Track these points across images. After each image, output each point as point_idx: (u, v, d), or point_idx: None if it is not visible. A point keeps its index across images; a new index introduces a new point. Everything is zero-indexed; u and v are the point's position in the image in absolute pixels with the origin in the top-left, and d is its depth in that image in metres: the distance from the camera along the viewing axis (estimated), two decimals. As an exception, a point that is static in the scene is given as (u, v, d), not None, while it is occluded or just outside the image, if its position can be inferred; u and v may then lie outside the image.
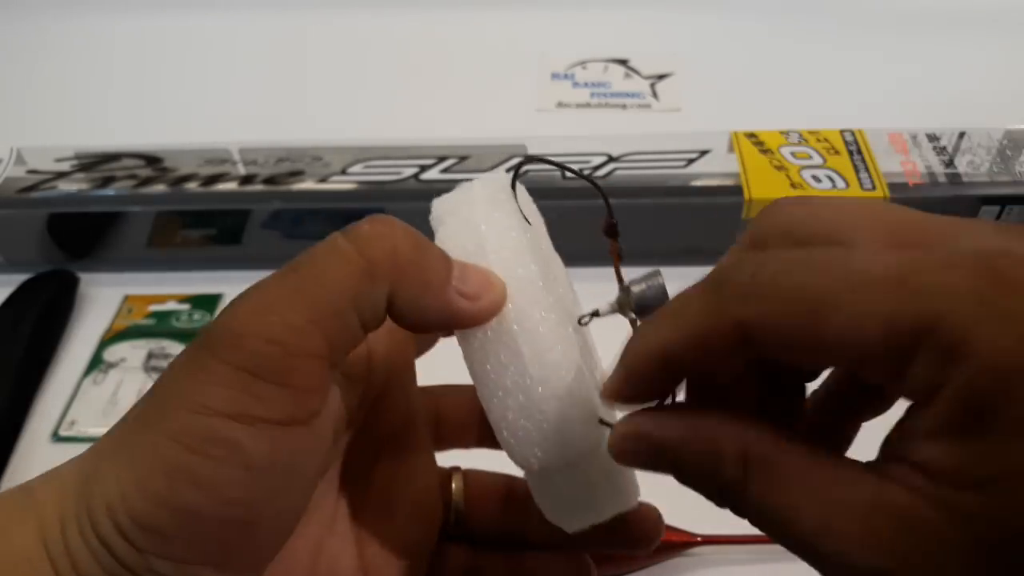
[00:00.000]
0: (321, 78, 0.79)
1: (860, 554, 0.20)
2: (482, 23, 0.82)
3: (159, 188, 0.59)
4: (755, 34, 0.82)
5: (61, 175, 0.60)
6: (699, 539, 0.45)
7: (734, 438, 0.22)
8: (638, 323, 0.27)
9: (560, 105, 0.76)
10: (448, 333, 0.29)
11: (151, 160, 0.61)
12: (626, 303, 0.27)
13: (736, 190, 0.57)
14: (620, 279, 0.28)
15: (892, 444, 0.21)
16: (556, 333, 0.27)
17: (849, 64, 0.79)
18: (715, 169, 0.58)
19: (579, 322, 0.29)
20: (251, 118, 0.73)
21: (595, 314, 0.28)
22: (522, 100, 0.76)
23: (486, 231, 0.28)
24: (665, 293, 0.27)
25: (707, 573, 0.46)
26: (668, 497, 0.46)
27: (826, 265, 0.20)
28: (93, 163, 0.61)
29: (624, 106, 0.75)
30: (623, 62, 0.80)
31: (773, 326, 0.21)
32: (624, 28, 0.83)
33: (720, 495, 0.23)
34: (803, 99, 0.74)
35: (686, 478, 0.23)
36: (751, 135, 0.60)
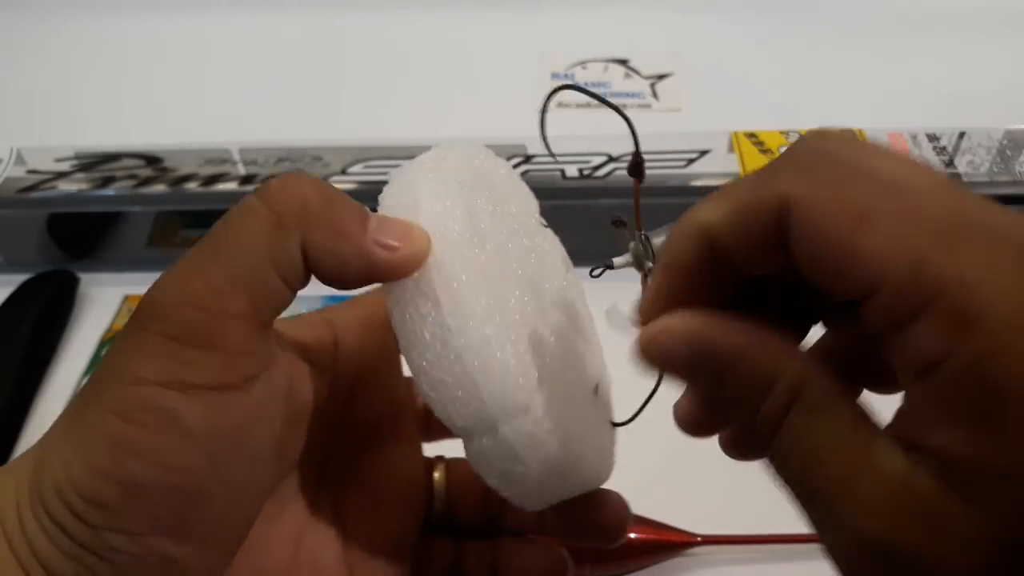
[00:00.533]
0: (321, 78, 0.79)
1: (873, 524, 0.19)
2: (482, 23, 0.82)
3: (159, 188, 0.59)
4: (755, 34, 0.82)
5: (61, 175, 0.60)
6: (699, 539, 0.45)
7: (797, 366, 0.21)
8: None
9: (560, 105, 0.76)
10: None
11: (151, 160, 0.61)
12: (642, 255, 0.26)
13: (736, 190, 0.57)
14: (639, 228, 0.27)
15: (905, 423, 0.20)
16: (480, 287, 0.26)
17: (849, 64, 0.79)
18: (715, 169, 0.58)
19: (591, 274, 0.28)
20: (251, 118, 0.73)
21: (608, 267, 0.28)
22: (522, 100, 0.76)
23: (422, 187, 0.28)
24: None
25: (707, 573, 0.46)
26: (668, 497, 0.46)
27: (889, 182, 0.20)
28: (93, 163, 0.61)
29: (624, 106, 0.75)
30: (623, 62, 0.80)
31: (817, 214, 0.20)
32: (624, 28, 0.83)
33: (751, 418, 0.22)
34: (803, 99, 0.74)
35: (722, 392, 0.22)
36: (751, 135, 0.60)
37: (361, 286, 0.27)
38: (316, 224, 0.25)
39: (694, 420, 0.27)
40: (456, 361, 0.25)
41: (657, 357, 0.23)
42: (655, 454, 0.50)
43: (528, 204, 0.32)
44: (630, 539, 0.44)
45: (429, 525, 0.33)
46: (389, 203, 0.28)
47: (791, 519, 0.45)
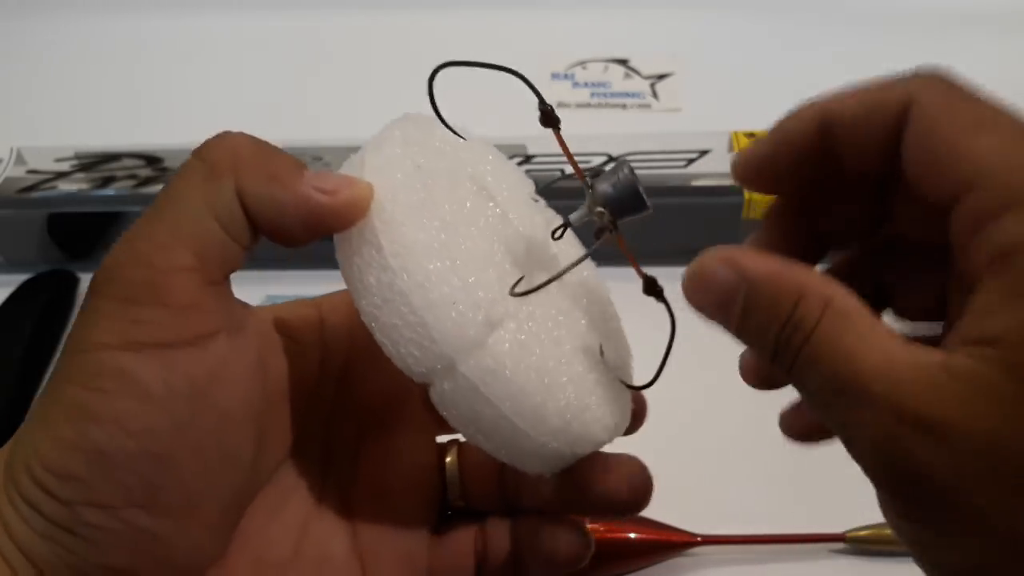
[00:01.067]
0: (321, 78, 0.79)
1: (913, 401, 0.20)
2: (482, 23, 0.82)
3: (159, 188, 0.59)
4: (755, 34, 0.82)
5: (61, 175, 0.60)
6: (699, 539, 0.45)
7: (821, 286, 0.23)
8: (616, 225, 0.26)
9: (560, 105, 0.76)
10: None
11: (151, 160, 0.61)
12: (594, 203, 0.26)
13: (736, 190, 0.57)
14: (582, 177, 0.27)
15: (957, 330, 0.21)
16: (424, 226, 0.26)
17: (849, 64, 0.78)
18: (715, 169, 0.58)
19: (552, 236, 0.28)
20: (251, 118, 0.73)
21: (566, 225, 0.28)
22: (522, 100, 0.76)
23: (369, 146, 0.28)
24: (636, 185, 0.26)
25: (707, 573, 0.46)
26: (669, 498, 0.46)
27: (1003, 110, 0.23)
28: (93, 163, 0.61)
29: (624, 106, 0.75)
30: (623, 62, 0.80)
31: (937, 114, 0.23)
32: (624, 28, 0.83)
33: (780, 335, 0.23)
34: (803, 99, 0.73)
35: (752, 317, 0.23)
36: (751, 135, 0.60)
37: (306, 239, 0.26)
38: (248, 170, 0.25)
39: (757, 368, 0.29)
40: (403, 302, 0.25)
41: (698, 287, 0.24)
42: (655, 454, 0.50)
43: (515, 182, 0.32)
44: (630, 539, 0.44)
45: (447, 511, 0.33)
46: (343, 167, 0.28)
47: (791, 519, 0.46)
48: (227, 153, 0.26)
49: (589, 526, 0.39)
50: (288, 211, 0.26)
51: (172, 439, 0.24)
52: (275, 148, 0.27)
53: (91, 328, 0.24)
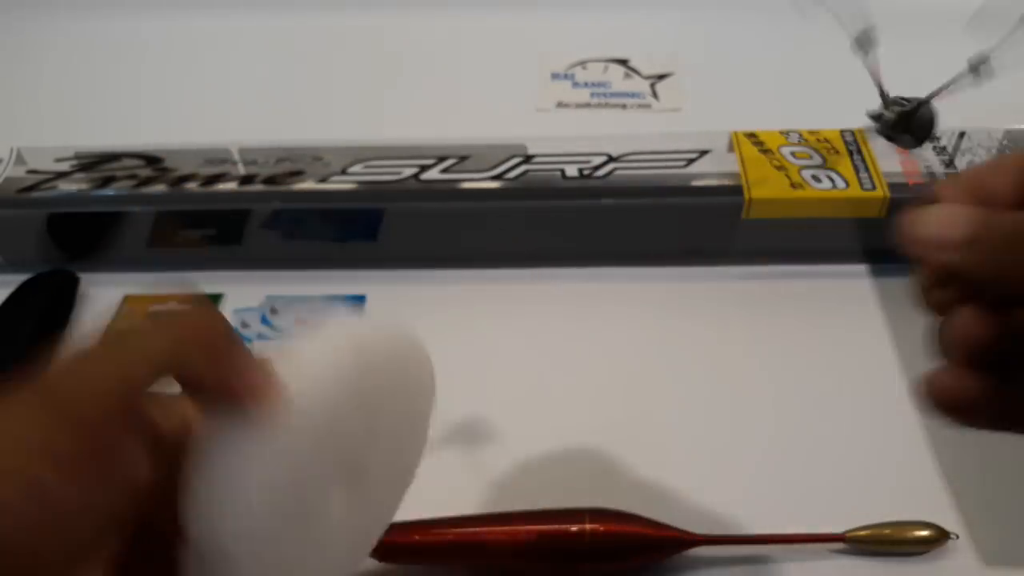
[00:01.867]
0: (321, 78, 0.79)
1: None
2: (482, 23, 0.82)
3: (159, 188, 0.59)
4: (755, 34, 0.82)
5: (61, 175, 0.60)
6: (699, 538, 0.45)
7: None
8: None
9: (560, 105, 0.76)
10: None
11: (151, 160, 0.61)
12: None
13: (736, 190, 0.57)
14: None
15: None
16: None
17: (849, 64, 0.79)
18: (715, 169, 0.58)
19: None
20: (251, 118, 0.73)
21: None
22: (522, 100, 0.76)
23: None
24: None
25: (707, 573, 0.46)
26: (669, 497, 0.46)
27: None
28: (93, 163, 0.61)
29: (624, 106, 0.75)
30: (623, 62, 0.80)
31: None
32: (624, 28, 0.83)
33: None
34: (803, 99, 0.73)
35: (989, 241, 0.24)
36: (751, 135, 0.60)
37: None
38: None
39: (958, 388, 0.27)
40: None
41: (936, 227, 0.25)
42: (656, 454, 0.50)
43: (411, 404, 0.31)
44: (631, 538, 0.44)
45: None
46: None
47: (791, 519, 0.46)
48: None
49: (588, 526, 0.39)
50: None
51: None
52: None
53: None
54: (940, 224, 0.24)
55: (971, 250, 0.24)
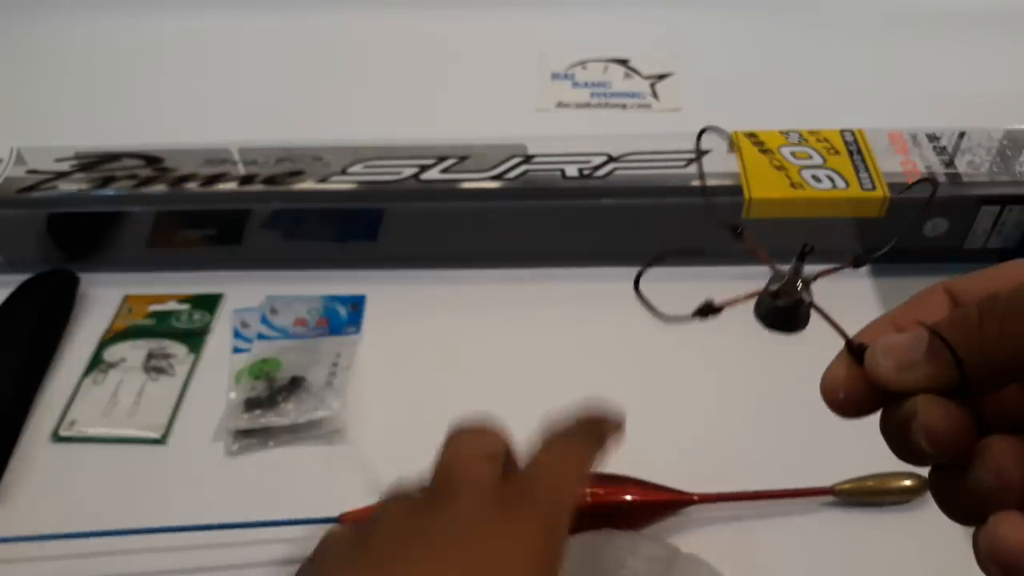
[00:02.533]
0: (321, 78, 0.79)
1: None
2: (482, 23, 0.82)
3: (159, 188, 0.59)
4: (755, 34, 0.82)
5: (61, 175, 0.60)
6: (695, 498, 0.46)
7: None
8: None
9: (560, 105, 0.76)
10: None
11: (151, 160, 0.61)
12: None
13: (736, 190, 0.57)
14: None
15: None
16: None
17: (849, 64, 0.79)
18: (715, 169, 0.58)
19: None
20: (251, 118, 0.73)
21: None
22: (522, 100, 0.76)
23: None
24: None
25: (704, 530, 0.47)
26: (665, 460, 0.47)
27: None
28: (93, 163, 0.61)
29: (624, 106, 0.75)
30: (623, 62, 0.80)
31: None
32: (624, 28, 0.83)
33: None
34: (803, 99, 0.74)
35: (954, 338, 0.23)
36: (751, 135, 0.60)
37: None
38: None
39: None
40: None
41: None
42: (650, 420, 0.50)
43: None
44: (629, 501, 0.45)
45: None
46: None
47: (782, 475, 0.47)
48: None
49: (588, 489, 0.40)
50: None
51: None
52: None
53: None
54: (903, 346, 0.24)
55: (963, 333, 0.23)
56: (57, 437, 0.53)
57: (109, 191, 0.59)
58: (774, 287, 0.27)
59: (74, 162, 0.61)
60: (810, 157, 0.59)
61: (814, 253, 0.27)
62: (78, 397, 0.54)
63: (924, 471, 0.26)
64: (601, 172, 0.58)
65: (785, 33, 0.82)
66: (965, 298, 0.26)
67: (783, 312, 0.26)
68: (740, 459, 0.50)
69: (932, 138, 0.60)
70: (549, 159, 0.59)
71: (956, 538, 0.34)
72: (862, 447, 0.49)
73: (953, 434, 0.23)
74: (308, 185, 0.58)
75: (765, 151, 0.59)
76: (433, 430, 0.33)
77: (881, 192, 0.56)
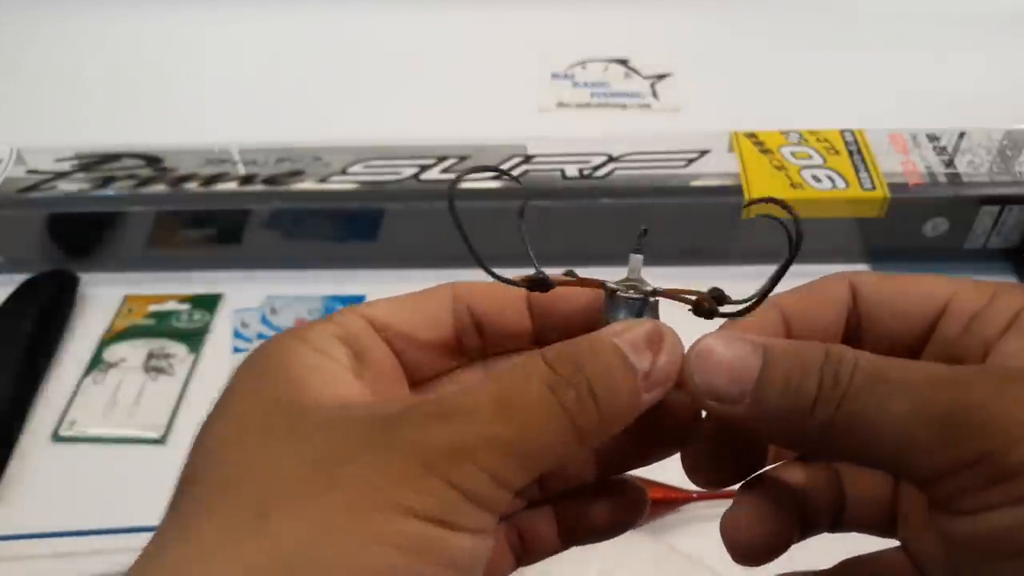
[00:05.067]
0: (321, 78, 0.79)
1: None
2: (482, 23, 0.82)
3: (159, 188, 0.59)
4: (755, 34, 0.82)
5: (61, 175, 0.60)
6: (694, 495, 0.46)
7: (848, 349, 0.23)
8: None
9: (560, 105, 0.76)
10: None
11: (151, 160, 0.61)
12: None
13: (736, 190, 0.57)
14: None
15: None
16: None
17: (849, 64, 0.79)
18: (715, 169, 0.58)
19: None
20: (251, 118, 0.73)
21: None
22: (522, 100, 0.76)
23: None
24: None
25: (703, 527, 0.47)
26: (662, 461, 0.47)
27: None
28: (93, 163, 0.61)
29: (624, 106, 0.75)
30: (623, 62, 0.80)
31: None
32: (624, 28, 0.83)
33: (821, 384, 0.22)
34: (803, 99, 0.74)
35: (774, 384, 0.23)
36: (751, 135, 0.60)
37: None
38: None
39: (758, 526, 0.27)
40: None
41: (709, 373, 0.23)
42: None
43: None
44: None
45: None
46: None
47: None
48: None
49: None
50: None
51: None
52: None
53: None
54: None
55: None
56: (57, 437, 0.53)
57: (109, 191, 0.59)
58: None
59: (74, 162, 0.61)
60: (810, 157, 0.59)
61: (647, 236, 0.27)
62: (78, 397, 0.54)
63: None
64: (601, 172, 0.58)
65: (785, 33, 0.82)
66: (870, 300, 0.26)
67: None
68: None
69: (932, 138, 0.60)
70: (549, 159, 0.59)
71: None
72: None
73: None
74: (308, 185, 0.58)
75: (765, 151, 0.59)
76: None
77: (881, 192, 0.56)
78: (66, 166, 0.60)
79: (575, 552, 0.29)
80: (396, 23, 0.83)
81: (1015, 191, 0.57)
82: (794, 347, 0.23)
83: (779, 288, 0.25)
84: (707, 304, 0.25)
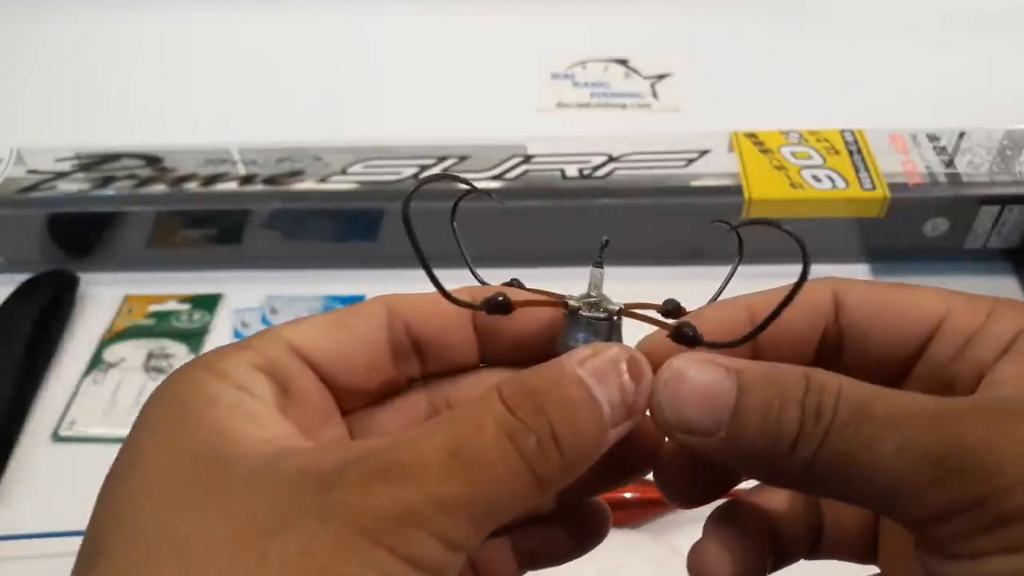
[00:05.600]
0: (321, 78, 0.79)
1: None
2: (482, 23, 0.82)
3: (159, 188, 0.59)
4: (755, 34, 0.82)
5: (61, 175, 0.60)
6: None
7: (830, 377, 0.21)
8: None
9: (560, 105, 0.76)
10: None
11: (151, 160, 0.61)
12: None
13: (736, 190, 0.57)
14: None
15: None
16: None
17: (849, 64, 0.79)
18: (715, 169, 0.58)
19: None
20: (251, 118, 0.73)
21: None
22: (522, 100, 0.76)
23: None
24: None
25: (698, 528, 0.46)
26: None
27: None
28: (93, 163, 0.61)
29: (624, 106, 0.75)
30: (623, 62, 0.80)
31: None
32: (624, 28, 0.83)
33: (803, 419, 0.21)
34: (803, 99, 0.74)
35: (750, 414, 0.21)
36: (751, 135, 0.60)
37: None
38: None
39: (727, 560, 0.26)
40: None
41: (680, 389, 0.22)
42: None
43: None
44: (624, 498, 0.45)
45: None
46: None
47: None
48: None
49: None
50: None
51: None
52: None
53: None
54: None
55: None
56: (57, 437, 0.53)
57: (109, 191, 0.59)
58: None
59: (74, 162, 0.61)
60: (810, 157, 0.59)
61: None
62: (78, 397, 0.54)
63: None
64: (601, 172, 0.58)
65: (785, 33, 0.82)
66: (855, 313, 0.24)
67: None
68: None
69: (932, 138, 0.60)
70: (549, 159, 0.59)
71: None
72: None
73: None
74: (308, 185, 0.58)
75: (765, 151, 0.59)
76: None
77: (881, 192, 0.56)
78: (66, 166, 0.60)
79: None
80: (396, 23, 0.83)
81: (1015, 191, 0.57)
82: (770, 374, 0.21)
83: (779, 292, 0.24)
84: (688, 331, 0.23)
